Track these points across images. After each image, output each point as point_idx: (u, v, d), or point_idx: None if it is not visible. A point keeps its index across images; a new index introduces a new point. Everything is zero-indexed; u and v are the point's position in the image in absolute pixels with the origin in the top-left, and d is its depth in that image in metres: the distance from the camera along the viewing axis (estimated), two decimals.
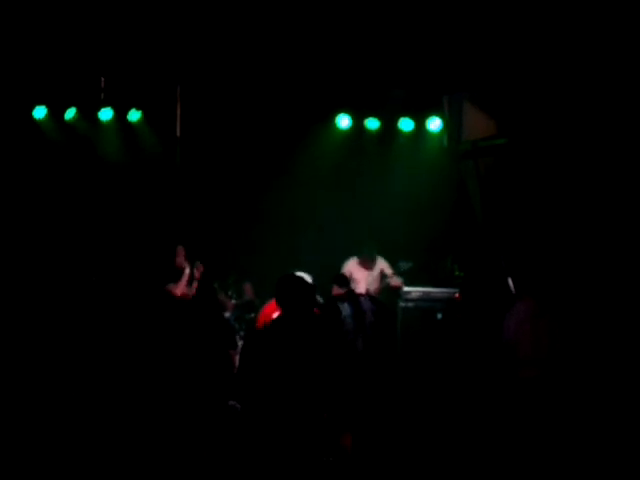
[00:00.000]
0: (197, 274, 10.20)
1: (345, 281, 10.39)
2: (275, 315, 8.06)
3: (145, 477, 7.13)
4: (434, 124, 13.03)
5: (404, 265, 11.84)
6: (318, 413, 5.49)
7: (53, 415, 8.35)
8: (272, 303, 8.42)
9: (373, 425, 8.27)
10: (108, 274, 11.63)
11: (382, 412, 8.77)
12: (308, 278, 5.71)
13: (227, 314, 10.93)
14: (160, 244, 11.49)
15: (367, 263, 11.76)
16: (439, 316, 11.23)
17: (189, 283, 10.02)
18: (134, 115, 12.67)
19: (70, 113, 12.53)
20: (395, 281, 11.75)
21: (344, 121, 13.09)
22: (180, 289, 10.01)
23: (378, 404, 8.84)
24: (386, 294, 11.84)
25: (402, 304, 11.65)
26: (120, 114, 12.64)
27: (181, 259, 10.31)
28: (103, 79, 12.26)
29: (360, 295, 9.79)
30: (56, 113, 12.52)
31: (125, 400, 8.23)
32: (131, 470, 7.21)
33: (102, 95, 12.42)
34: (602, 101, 9.79)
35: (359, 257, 11.83)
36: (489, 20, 9.53)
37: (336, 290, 10.57)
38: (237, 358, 7.38)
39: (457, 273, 12.19)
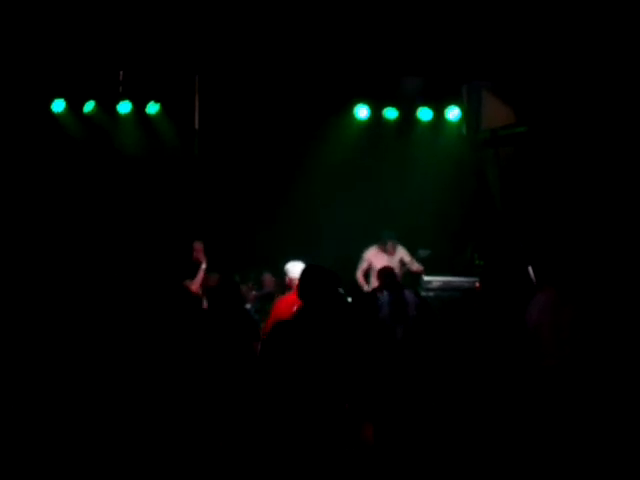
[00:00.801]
0: (199, 255, 10.20)
1: (387, 274, 10.26)
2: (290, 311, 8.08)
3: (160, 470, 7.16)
4: (453, 113, 13.02)
5: (423, 253, 11.82)
6: (339, 404, 5.49)
7: (65, 413, 8.37)
8: (286, 298, 8.37)
9: (394, 416, 8.26)
10: (125, 268, 11.65)
11: (403, 403, 8.76)
12: (300, 264, 5.69)
13: (248, 306, 10.94)
14: (178, 238, 11.52)
15: (387, 248, 11.72)
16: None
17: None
18: (152, 108, 12.70)
19: (89, 106, 12.56)
20: (416, 266, 11.73)
21: (362, 111, 13.08)
22: (196, 285, 10.02)
23: (401, 395, 8.82)
24: (407, 282, 11.82)
25: (422, 293, 11.62)
26: (139, 107, 12.67)
27: (198, 254, 10.32)
28: (121, 72, 12.30)
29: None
30: (75, 106, 12.55)
31: (142, 397, 8.24)
32: (145, 462, 7.24)
33: (120, 88, 12.46)
34: (621, 90, 9.73)
35: (379, 244, 11.80)
36: (507, 8, 9.48)
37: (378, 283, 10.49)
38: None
39: (477, 262, 12.16)
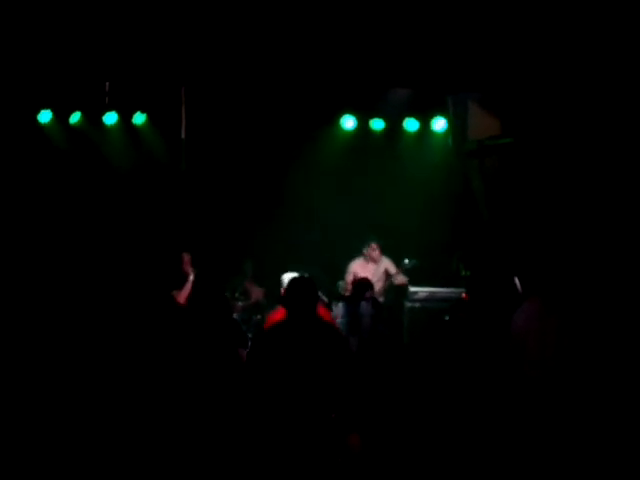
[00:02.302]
0: (187, 267, 10.20)
1: (357, 285, 10.23)
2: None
3: (150, 477, 7.14)
4: (439, 124, 13.07)
5: (409, 263, 11.81)
6: (326, 413, 5.49)
7: (56, 417, 8.35)
8: (279, 311, 8.41)
9: (380, 425, 8.26)
10: (113, 279, 11.63)
11: (388, 412, 8.76)
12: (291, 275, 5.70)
13: (234, 316, 10.93)
14: (165, 248, 11.50)
15: (369, 252, 11.71)
16: (446, 318, 11.21)
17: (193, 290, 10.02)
18: (139, 118, 12.71)
19: (75, 117, 12.58)
20: (400, 279, 11.74)
21: (349, 122, 13.12)
22: (183, 296, 10.01)
23: (384, 404, 8.82)
24: (392, 294, 11.84)
25: (408, 304, 11.63)
26: (125, 117, 12.66)
27: (186, 266, 10.31)
28: (107, 83, 12.29)
29: (365, 299, 9.74)
30: (61, 117, 12.55)
31: (130, 403, 8.23)
32: (137, 471, 7.22)
33: (107, 99, 12.45)
34: (607, 102, 9.78)
35: (363, 255, 11.80)
36: (493, 20, 9.52)
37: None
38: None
39: (463, 273, 12.17)
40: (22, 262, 11.72)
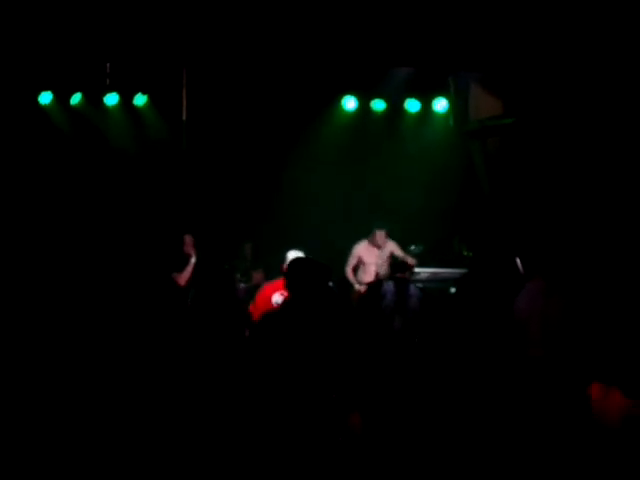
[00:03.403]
0: (189, 249, 10.19)
1: (401, 267, 10.20)
2: (274, 296, 8.13)
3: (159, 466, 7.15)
4: (440, 105, 13.06)
5: (415, 249, 11.77)
6: (327, 393, 5.50)
7: (56, 412, 8.34)
8: (271, 285, 8.43)
9: (382, 405, 8.28)
10: (114, 261, 11.63)
11: (391, 392, 8.78)
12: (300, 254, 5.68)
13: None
14: (167, 230, 11.50)
15: (376, 239, 11.67)
16: (452, 290, 11.22)
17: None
18: (140, 99, 12.68)
19: (76, 98, 12.54)
20: (410, 260, 11.67)
21: (350, 103, 13.09)
22: (185, 278, 10.00)
23: (393, 384, 8.85)
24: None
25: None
26: (126, 99, 12.64)
27: (189, 248, 10.30)
28: (108, 64, 12.25)
29: (411, 281, 9.75)
30: (62, 99, 12.52)
31: (132, 391, 8.24)
32: (144, 461, 7.23)
33: (107, 80, 12.42)
34: (607, 82, 9.76)
35: (368, 238, 11.72)
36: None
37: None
38: None
39: (465, 253, 12.17)
40: (23, 243, 11.71)
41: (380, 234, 11.56)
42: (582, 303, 7.87)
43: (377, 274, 11.31)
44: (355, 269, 11.74)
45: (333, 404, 5.48)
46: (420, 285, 11.15)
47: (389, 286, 9.47)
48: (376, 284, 9.90)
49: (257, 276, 11.86)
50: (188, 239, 10.43)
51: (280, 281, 7.90)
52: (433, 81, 12.79)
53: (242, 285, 11.55)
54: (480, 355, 9.32)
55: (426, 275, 11.63)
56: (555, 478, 6.90)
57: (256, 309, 8.13)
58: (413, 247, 11.72)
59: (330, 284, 9.49)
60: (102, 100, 12.52)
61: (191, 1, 9.51)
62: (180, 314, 8.49)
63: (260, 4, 9.54)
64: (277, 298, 8.10)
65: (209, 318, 7.35)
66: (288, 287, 5.77)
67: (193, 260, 10.13)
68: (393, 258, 10.32)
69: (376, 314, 9.28)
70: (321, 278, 5.72)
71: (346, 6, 9.52)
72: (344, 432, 5.49)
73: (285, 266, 8.45)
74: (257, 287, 11.51)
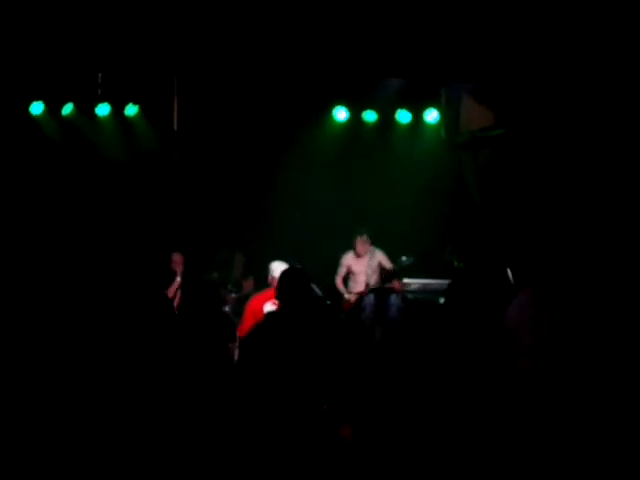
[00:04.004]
0: (177, 267, 10.21)
1: (390, 278, 10.16)
2: (266, 306, 8.11)
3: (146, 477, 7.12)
4: (431, 116, 13.09)
5: (406, 260, 11.76)
6: (317, 405, 5.50)
7: (51, 418, 8.32)
8: (261, 295, 8.41)
9: (372, 416, 8.28)
10: (104, 270, 11.60)
11: (381, 403, 8.78)
12: (285, 266, 5.69)
13: (227, 308, 10.93)
14: (158, 242, 11.49)
15: (360, 246, 11.63)
16: (441, 300, 11.21)
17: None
18: (131, 109, 12.69)
19: (67, 109, 12.55)
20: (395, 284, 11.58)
21: (341, 114, 13.11)
22: (171, 292, 10.02)
23: (379, 395, 8.85)
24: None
25: None
26: (117, 109, 12.65)
27: (176, 266, 10.34)
28: (100, 74, 12.26)
29: (394, 292, 9.72)
30: (53, 109, 12.53)
31: (122, 400, 8.21)
32: (131, 470, 7.20)
33: (99, 90, 12.42)
34: (598, 93, 9.80)
35: (354, 246, 11.71)
36: (486, 11, 9.52)
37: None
38: (236, 352, 7.39)
39: (456, 264, 12.17)
40: (12, 254, 11.68)
41: (361, 240, 11.53)
42: (573, 313, 7.88)
43: (367, 284, 11.30)
44: (345, 279, 11.74)
45: (324, 416, 5.48)
46: (410, 296, 11.17)
47: (369, 299, 9.51)
48: (360, 299, 9.91)
49: (248, 285, 11.85)
50: (176, 257, 10.46)
51: (270, 291, 7.89)
52: (424, 92, 12.82)
53: (233, 295, 11.54)
54: (469, 365, 9.32)
55: (417, 286, 11.63)
56: None
57: (246, 320, 8.12)
58: (404, 258, 11.69)
59: (319, 294, 9.54)
60: (93, 110, 12.52)
61: (183, 11, 9.52)
62: (166, 326, 8.50)
63: (252, 14, 9.56)
64: (269, 308, 8.09)
65: (195, 331, 7.33)
66: (278, 297, 5.77)
67: (178, 279, 10.15)
68: (381, 270, 10.31)
69: (357, 327, 9.29)
70: (309, 288, 5.74)
71: (337, 17, 9.55)
72: (335, 443, 5.48)
73: (271, 277, 8.48)
74: (248, 296, 11.53)
